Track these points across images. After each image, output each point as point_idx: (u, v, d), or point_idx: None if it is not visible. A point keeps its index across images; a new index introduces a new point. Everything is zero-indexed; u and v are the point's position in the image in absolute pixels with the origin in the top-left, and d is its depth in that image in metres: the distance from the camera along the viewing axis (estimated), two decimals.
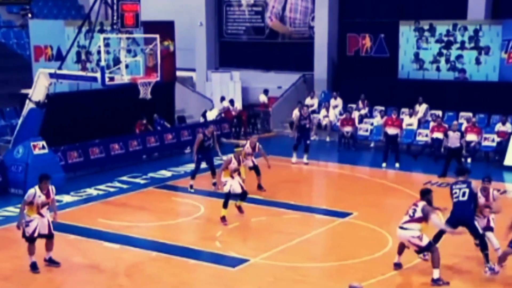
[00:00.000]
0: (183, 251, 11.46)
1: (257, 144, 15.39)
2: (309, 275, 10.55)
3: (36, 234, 10.32)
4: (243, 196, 13.19)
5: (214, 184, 14.78)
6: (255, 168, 15.29)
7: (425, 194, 10.27)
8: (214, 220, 12.99)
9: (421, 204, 10.09)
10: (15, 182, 15.22)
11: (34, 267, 10.37)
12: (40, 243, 10.53)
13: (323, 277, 10.44)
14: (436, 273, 9.90)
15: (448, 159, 16.59)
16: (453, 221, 10.43)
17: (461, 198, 10.48)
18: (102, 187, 15.81)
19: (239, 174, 13.31)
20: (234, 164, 13.05)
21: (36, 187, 10.45)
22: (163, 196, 15.14)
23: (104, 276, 10.46)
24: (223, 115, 22.69)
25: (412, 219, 10.02)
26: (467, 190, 10.52)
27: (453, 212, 10.52)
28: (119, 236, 12.21)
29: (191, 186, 15.21)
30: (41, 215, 10.36)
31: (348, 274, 10.38)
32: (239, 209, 13.23)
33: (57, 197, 14.56)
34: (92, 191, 15.49)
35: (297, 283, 10.18)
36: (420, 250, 10.19)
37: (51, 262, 10.60)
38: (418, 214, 9.97)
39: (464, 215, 10.39)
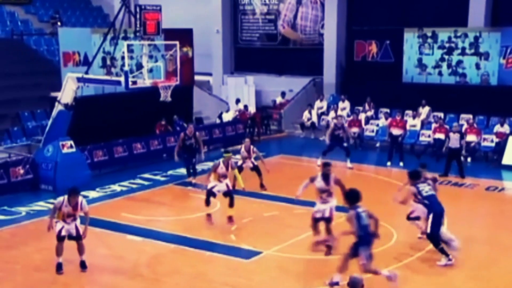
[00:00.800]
0: (200, 243, 11.51)
1: (251, 147, 15.14)
2: (318, 266, 10.53)
3: (63, 233, 10.05)
4: (230, 200, 12.39)
5: (191, 184, 14.54)
6: (256, 169, 15.10)
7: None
8: (224, 215, 13.00)
9: None
10: (46, 178, 15.35)
11: (58, 267, 10.09)
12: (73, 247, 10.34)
13: (329, 269, 10.42)
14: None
15: (449, 159, 16.52)
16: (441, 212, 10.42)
17: (432, 192, 10.53)
18: (125, 183, 15.89)
19: (224, 177, 12.48)
20: (222, 169, 12.43)
21: (66, 196, 10.16)
22: (181, 193, 15.20)
23: (127, 267, 10.52)
24: (238, 116, 22.72)
25: None
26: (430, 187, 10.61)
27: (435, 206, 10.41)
28: (141, 230, 12.28)
29: (191, 183, 15.16)
30: (66, 223, 10.12)
31: (352, 267, 10.36)
32: (229, 219, 12.41)
33: (84, 193, 14.70)
34: (116, 187, 15.57)
35: (305, 275, 10.16)
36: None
37: (82, 266, 10.27)
38: None
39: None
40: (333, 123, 18.09)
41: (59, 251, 10.12)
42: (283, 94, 24.96)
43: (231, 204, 12.46)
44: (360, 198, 9.30)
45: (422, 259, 10.76)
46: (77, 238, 10.24)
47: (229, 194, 12.53)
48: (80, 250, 10.29)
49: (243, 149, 15.08)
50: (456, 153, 16.42)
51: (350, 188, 9.59)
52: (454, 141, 16.41)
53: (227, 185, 12.60)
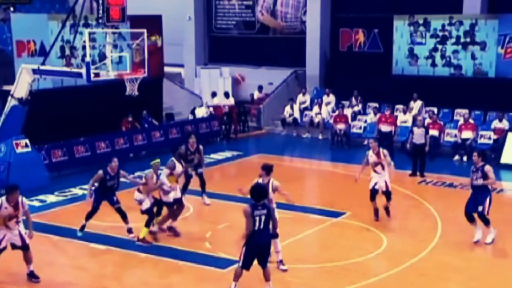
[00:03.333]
0: (172, 252, 11.45)
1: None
2: (301, 276, 10.55)
3: (3, 244, 9.76)
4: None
5: (129, 231, 12.24)
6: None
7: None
8: (203, 221, 12.98)
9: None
10: None
11: None
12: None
13: (315, 278, 10.45)
14: None
15: (414, 156, 16.78)
16: None
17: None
18: (87, 186, 15.69)
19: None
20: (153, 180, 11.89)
21: (3, 198, 9.80)
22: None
23: (90, 278, 10.43)
24: (212, 111, 22.69)
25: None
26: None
27: None
28: (106, 237, 12.17)
29: (82, 228, 12.21)
30: (8, 228, 9.79)
31: (340, 276, 10.42)
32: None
33: (41, 197, 14.67)
34: (77, 191, 15.43)
35: (288, 284, 10.19)
36: None
37: (31, 276, 10.06)
38: None
39: None
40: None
41: None
42: (260, 88, 24.98)
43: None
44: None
45: (414, 267, 10.84)
46: (24, 247, 9.95)
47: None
48: (27, 259, 10.06)
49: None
50: (420, 149, 16.62)
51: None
52: (418, 136, 16.59)
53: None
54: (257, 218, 9.07)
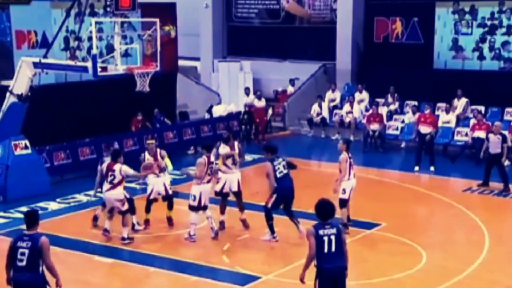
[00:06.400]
0: (184, 266, 11.47)
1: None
2: None
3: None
4: (168, 203, 13.53)
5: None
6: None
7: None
8: (221, 232, 12.98)
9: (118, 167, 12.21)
10: None
11: None
12: None
13: None
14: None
15: (489, 165, 16.37)
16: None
17: (284, 171, 12.64)
18: (92, 192, 15.80)
19: (162, 171, 13.32)
20: (150, 160, 13.08)
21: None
22: (162, 204, 15.13)
23: None
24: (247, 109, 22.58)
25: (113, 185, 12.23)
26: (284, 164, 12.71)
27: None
28: (112, 249, 12.23)
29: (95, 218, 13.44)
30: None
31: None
32: (169, 220, 13.64)
33: (42, 204, 14.78)
34: (81, 197, 15.49)
35: None
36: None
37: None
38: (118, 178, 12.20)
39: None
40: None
41: None
42: (292, 81, 24.86)
43: (170, 206, 13.50)
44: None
45: (458, 285, 10.73)
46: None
47: (168, 197, 13.44)
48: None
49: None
50: (497, 159, 16.30)
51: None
52: (494, 144, 16.26)
53: (165, 188, 13.33)
54: (325, 239, 8.25)
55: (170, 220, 13.54)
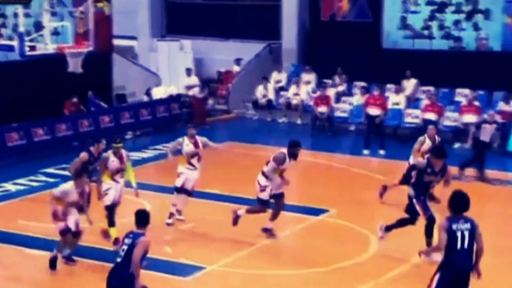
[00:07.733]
0: None
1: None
2: (278, 284, 10.55)
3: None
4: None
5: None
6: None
7: None
8: (162, 221, 12.90)
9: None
10: None
11: None
12: None
13: (292, 286, 10.48)
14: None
15: (481, 154, 16.19)
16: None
17: None
18: (22, 181, 15.64)
19: (121, 174, 12.04)
20: (114, 163, 11.92)
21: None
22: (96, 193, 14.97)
23: None
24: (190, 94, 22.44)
25: None
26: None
27: None
28: (45, 241, 12.03)
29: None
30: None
31: (323, 283, 10.44)
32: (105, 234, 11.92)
33: None
34: (10, 187, 15.32)
35: None
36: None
37: None
38: None
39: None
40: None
41: None
42: (237, 61, 24.71)
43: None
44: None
45: (407, 272, 10.91)
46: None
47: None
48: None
49: (187, 141, 12.98)
50: (488, 146, 16.35)
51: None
52: (488, 132, 16.27)
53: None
54: (459, 234, 7.93)
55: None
